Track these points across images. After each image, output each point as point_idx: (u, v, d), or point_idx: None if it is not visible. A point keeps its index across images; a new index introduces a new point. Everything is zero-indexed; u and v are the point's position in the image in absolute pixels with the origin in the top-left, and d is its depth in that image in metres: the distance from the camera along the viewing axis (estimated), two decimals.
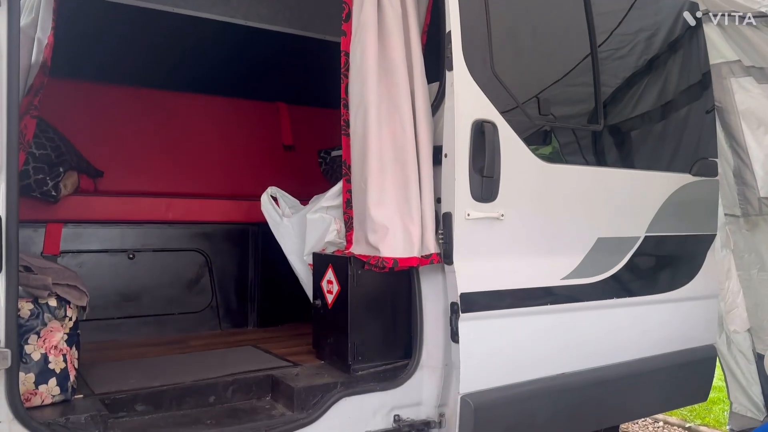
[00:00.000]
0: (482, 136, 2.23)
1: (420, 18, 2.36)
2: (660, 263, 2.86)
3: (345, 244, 2.45)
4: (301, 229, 2.78)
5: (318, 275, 2.56)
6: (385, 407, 2.26)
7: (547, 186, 2.46)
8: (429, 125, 2.30)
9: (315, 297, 2.58)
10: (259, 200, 2.96)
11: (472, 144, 2.22)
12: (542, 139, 2.56)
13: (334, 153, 3.95)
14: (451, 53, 2.20)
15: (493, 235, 2.28)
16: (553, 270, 2.44)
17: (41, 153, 2.75)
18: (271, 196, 2.98)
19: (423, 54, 2.32)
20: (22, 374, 1.82)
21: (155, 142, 3.59)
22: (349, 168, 2.38)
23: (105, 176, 3.29)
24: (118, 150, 3.43)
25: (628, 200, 2.72)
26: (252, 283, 3.42)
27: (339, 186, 2.58)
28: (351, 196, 2.38)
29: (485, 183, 2.23)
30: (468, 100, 2.23)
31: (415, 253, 2.23)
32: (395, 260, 2.22)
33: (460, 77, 2.21)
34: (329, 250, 2.61)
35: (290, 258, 2.86)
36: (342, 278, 2.39)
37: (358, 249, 2.34)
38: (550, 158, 2.54)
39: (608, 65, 2.76)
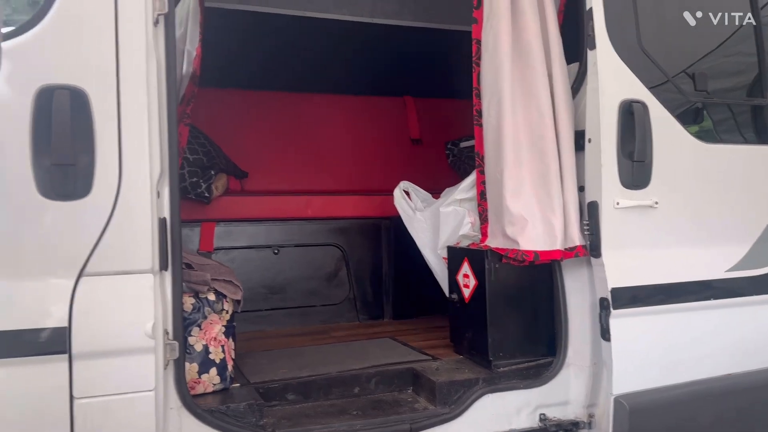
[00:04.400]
0: (631, 117, 2.06)
1: None
2: None
3: (480, 237, 2.39)
4: (434, 222, 2.77)
5: (453, 269, 2.53)
6: (529, 405, 2.19)
7: (706, 168, 2.23)
8: (569, 109, 2.17)
9: (451, 291, 2.55)
10: (391, 194, 3.00)
11: (620, 127, 2.06)
12: (697, 117, 2.33)
13: (462, 144, 3.90)
14: (593, 30, 2.06)
15: (646, 224, 2.11)
16: (715, 261, 2.22)
17: (194, 158, 2.97)
18: (404, 190, 3.00)
19: (560, 34, 2.20)
20: (186, 364, 1.96)
21: (292, 142, 3.76)
22: (482, 159, 2.31)
23: (249, 177, 3.50)
24: (259, 152, 3.64)
25: None
26: (386, 276, 3.48)
27: (472, 178, 2.52)
28: (485, 187, 2.32)
29: (636, 168, 2.07)
30: (614, 79, 2.08)
31: (558, 245, 2.12)
32: (536, 253, 2.13)
33: (604, 55, 2.06)
34: (463, 244, 2.57)
35: (424, 251, 2.86)
36: (479, 272, 2.34)
37: (494, 242, 2.28)
38: (708, 138, 2.31)
39: None
